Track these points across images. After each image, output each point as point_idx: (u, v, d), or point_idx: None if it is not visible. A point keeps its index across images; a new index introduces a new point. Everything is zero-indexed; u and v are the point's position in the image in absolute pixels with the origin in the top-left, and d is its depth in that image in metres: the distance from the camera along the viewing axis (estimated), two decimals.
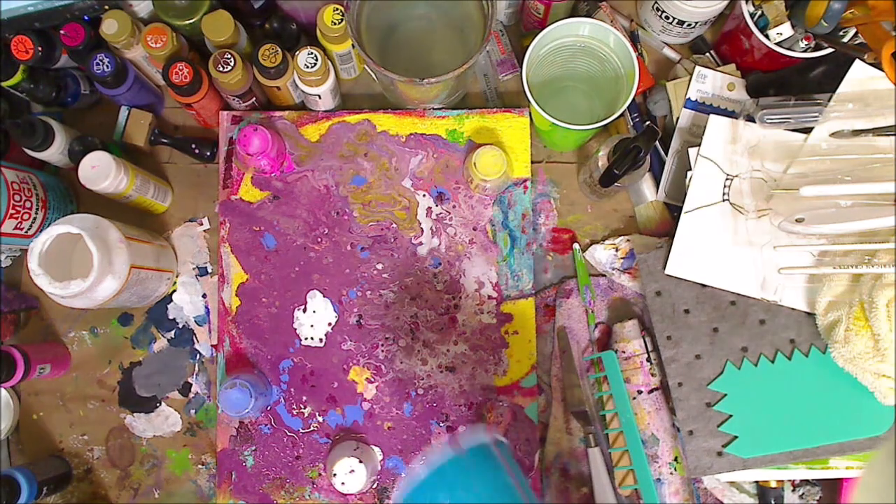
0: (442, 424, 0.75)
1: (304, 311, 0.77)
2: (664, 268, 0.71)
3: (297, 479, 0.75)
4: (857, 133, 0.67)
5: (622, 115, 0.71)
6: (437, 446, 0.56)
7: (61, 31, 0.71)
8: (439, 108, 0.79)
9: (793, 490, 0.74)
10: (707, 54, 0.80)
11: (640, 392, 0.73)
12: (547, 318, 0.77)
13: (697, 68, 0.76)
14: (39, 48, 0.71)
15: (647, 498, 0.69)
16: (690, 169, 0.72)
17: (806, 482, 0.74)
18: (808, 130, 0.69)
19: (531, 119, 0.78)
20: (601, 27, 0.70)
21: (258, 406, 0.72)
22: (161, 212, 0.80)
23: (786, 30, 0.70)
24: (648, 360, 0.73)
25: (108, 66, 0.71)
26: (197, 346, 0.79)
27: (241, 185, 0.78)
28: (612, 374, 0.72)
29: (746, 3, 0.71)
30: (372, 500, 0.75)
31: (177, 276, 0.79)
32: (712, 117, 0.72)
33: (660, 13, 0.76)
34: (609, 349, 0.75)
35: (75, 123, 0.79)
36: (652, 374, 0.73)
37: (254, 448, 0.75)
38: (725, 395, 0.70)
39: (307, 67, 0.72)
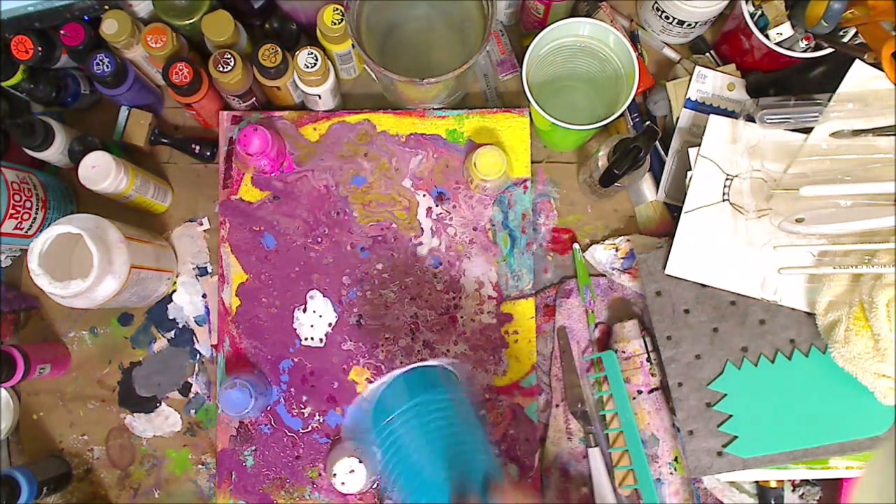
0: None
1: (304, 311, 0.77)
2: (664, 268, 0.71)
3: (297, 479, 0.75)
4: (857, 133, 0.67)
5: (622, 115, 0.71)
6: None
7: (61, 31, 0.71)
8: (439, 108, 0.79)
9: (793, 490, 0.74)
10: (707, 54, 0.80)
11: (640, 392, 0.73)
12: (547, 318, 0.77)
13: (697, 68, 0.76)
14: (39, 48, 0.71)
15: (647, 498, 0.69)
16: (690, 169, 0.72)
17: (806, 482, 0.74)
18: (808, 130, 0.69)
19: (531, 119, 0.78)
20: (601, 27, 0.70)
21: (258, 406, 0.72)
22: (161, 212, 0.80)
23: (786, 30, 0.70)
24: (648, 360, 0.73)
25: (108, 66, 0.71)
26: (197, 346, 0.79)
27: (241, 185, 0.78)
28: (612, 374, 0.72)
29: (746, 3, 0.71)
30: (372, 500, 0.75)
31: (177, 276, 0.79)
32: (712, 117, 0.72)
33: (660, 13, 0.76)
34: (609, 349, 0.75)
35: (75, 123, 0.79)
36: (652, 374, 0.73)
37: (254, 448, 0.75)
38: (725, 395, 0.70)
39: (307, 67, 0.72)
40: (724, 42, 0.78)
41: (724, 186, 0.71)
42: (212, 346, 0.78)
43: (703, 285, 0.71)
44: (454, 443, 0.56)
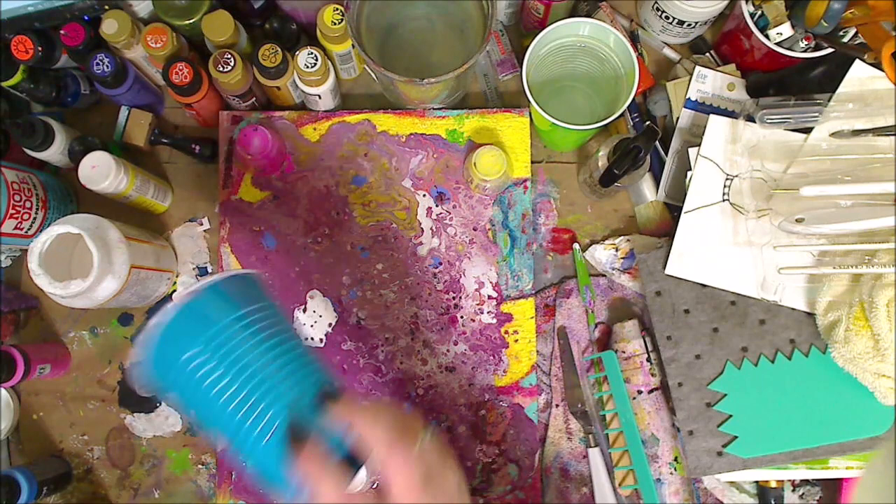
0: (442, 424, 0.75)
1: (304, 311, 0.77)
2: (664, 268, 0.71)
3: None
4: (857, 133, 0.67)
5: (622, 115, 0.71)
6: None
7: (61, 31, 0.71)
8: (439, 108, 0.79)
9: (793, 490, 0.74)
10: (707, 54, 0.80)
11: (640, 392, 0.73)
12: (547, 318, 0.77)
13: (697, 68, 0.76)
14: (39, 48, 0.71)
15: (647, 498, 0.69)
16: (690, 169, 0.72)
17: (806, 482, 0.74)
18: (808, 130, 0.69)
19: (531, 119, 0.78)
20: (601, 27, 0.70)
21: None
22: (161, 212, 0.80)
23: (786, 30, 0.70)
24: (648, 360, 0.73)
25: (108, 66, 0.71)
26: None
27: (241, 185, 0.78)
28: (612, 374, 0.72)
29: (746, 3, 0.71)
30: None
31: (177, 276, 0.79)
32: (712, 117, 0.72)
33: (660, 13, 0.76)
34: (609, 349, 0.75)
35: (75, 123, 0.79)
36: (652, 374, 0.73)
37: None
38: (725, 395, 0.70)
39: (307, 67, 0.72)
40: (724, 42, 0.78)
41: (724, 186, 0.71)
42: None
43: (703, 285, 0.71)
44: (271, 365, 0.46)
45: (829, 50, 0.69)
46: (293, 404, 0.45)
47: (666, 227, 0.77)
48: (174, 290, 0.79)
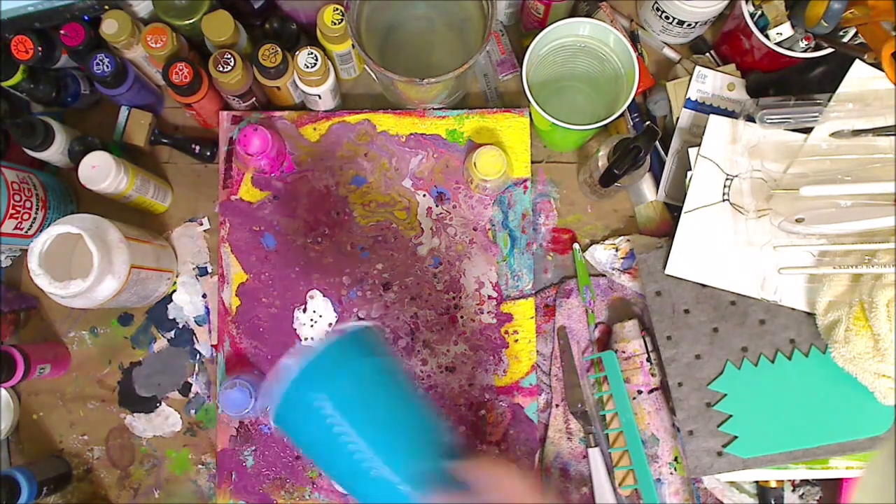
0: None
1: (304, 311, 0.77)
2: (664, 268, 0.71)
3: (297, 479, 0.75)
4: (857, 133, 0.67)
5: (622, 115, 0.71)
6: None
7: (61, 31, 0.71)
8: (439, 108, 0.79)
9: (793, 490, 0.74)
10: (707, 54, 0.80)
11: (640, 392, 0.73)
12: (547, 318, 0.77)
13: (697, 68, 0.76)
14: (39, 48, 0.71)
15: (647, 498, 0.69)
16: (690, 169, 0.72)
17: (806, 482, 0.74)
18: (808, 130, 0.69)
19: (531, 119, 0.78)
20: (601, 27, 0.70)
21: (258, 406, 0.72)
22: (161, 212, 0.80)
23: (786, 30, 0.70)
24: (648, 360, 0.73)
25: (108, 66, 0.71)
26: (197, 346, 0.79)
27: (241, 185, 0.78)
28: (612, 374, 0.72)
29: (746, 3, 0.71)
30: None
31: (177, 276, 0.79)
32: (712, 117, 0.72)
33: (660, 13, 0.76)
34: (609, 349, 0.75)
35: (75, 123, 0.79)
36: (652, 374, 0.73)
37: (254, 448, 0.75)
38: (725, 395, 0.70)
39: (307, 67, 0.73)
40: (724, 42, 0.78)
41: (724, 186, 0.71)
42: (212, 346, 0.78)
43: (703, 285, 0.71)
44: (408, 415, 0.50)
45: (829, 50, 0.69)
46: (415, 456, 0.49)
47: (666, 227, 0.77)
48: (174, 290, 0.79)
